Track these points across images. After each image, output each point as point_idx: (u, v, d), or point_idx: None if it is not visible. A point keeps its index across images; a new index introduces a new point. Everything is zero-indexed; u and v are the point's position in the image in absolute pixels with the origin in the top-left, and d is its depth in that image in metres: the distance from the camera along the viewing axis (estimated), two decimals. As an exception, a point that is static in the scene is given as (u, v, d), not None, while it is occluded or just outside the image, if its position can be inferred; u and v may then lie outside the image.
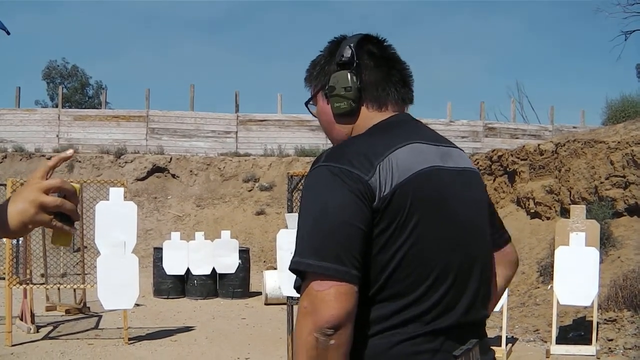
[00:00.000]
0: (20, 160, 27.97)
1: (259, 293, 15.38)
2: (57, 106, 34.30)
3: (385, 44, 2.21)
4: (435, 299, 1.93)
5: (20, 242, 11.11)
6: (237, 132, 29.30)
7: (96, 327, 11.56)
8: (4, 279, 10.90)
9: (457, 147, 2.16)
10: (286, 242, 8.44)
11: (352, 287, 1.84)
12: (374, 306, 1.92)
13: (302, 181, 8.86)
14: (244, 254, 15.62)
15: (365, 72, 2.12)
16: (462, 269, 2.00)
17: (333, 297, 1.82)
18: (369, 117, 2.13)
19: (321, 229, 1.88)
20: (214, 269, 15.13)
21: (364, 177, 1.87)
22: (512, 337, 10.24)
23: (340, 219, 1.86)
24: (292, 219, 8.44)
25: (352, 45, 2.14)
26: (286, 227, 8.61)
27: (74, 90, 49.47)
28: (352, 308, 1.85)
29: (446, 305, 1.95)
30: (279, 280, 11.47)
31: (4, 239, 12.54)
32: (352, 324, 1.86)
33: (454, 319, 1.96)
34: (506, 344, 9.18)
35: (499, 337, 9.47)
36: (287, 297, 8.61)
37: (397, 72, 2.17)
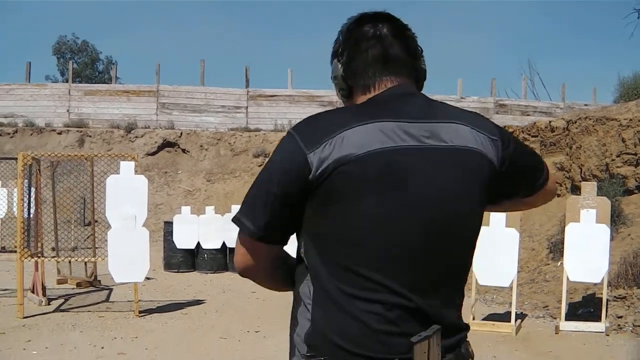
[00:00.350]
0: (31, 134, 28.02)
1: (266, 267, 15.44)
2: (67, 81, 34.30)
3: (378, 22, 2.17)
4: (400, 276, 1.94)
5: (31, 215, 11.14)
6: (247, 107, 29.27)
7: (107, 300, 11.62)
8: (15, 252, 10.96)
9: (459, 123, 2.05)
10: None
11: (257, 244, 2.04)
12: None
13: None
14: (254, 228, 15.64)
15: (350, 59, 2.16)
16: (411, 251, 1.95)
17: (240, 250, 2.10)
18: (360, 99, 2.17)
19: (251, 188, 2.06)
20: (224, 243, 15.18)
21: (306, 150, 1.92)
22: (522, 313, 10.26)
23: (265, 183, 2.00)
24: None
25: (342, 31, 2.21)
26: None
27: (84, 66, 49.54)
28: (252, 263, 2.09)
29: (411, 287, 1.95)
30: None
31: (16, 212, 12.61)
32: (259, 273, 2.17)
33: (415, 302, 1.94)
34: (515, 320, 9.19)
35: (509, 313, 9.49)
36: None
37: (373, 50, 2.14)
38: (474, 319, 9.41)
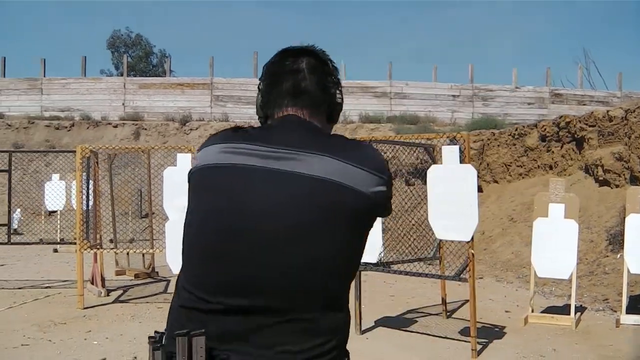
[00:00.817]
0: (87, 128, 28.39)
1: (325, 259, 15.45)
2: (122, 75, 34.68)
3: (299, 57, 2.38)
4: (201, 274, 2.14)
5: (89, 207, 11.27)
6: (302, 98, 29.33)
7: (165, 291, 11.71)
8: (74, 244, 11.09)
9: (327, 156, 2.15)
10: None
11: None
12: None
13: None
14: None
15: (267, 91, 2.40)
16: (230, 255, 2.10)
17: None
18: None
19: None
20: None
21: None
22: (581, 305, 10.13)
23: None
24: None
25: (266, 64, 2.46)
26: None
27: (138, 59, 49.90)
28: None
29: (207, 285, 2.11)
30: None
31: (75, 205, 12.77)
32: None
33: (216, 305, 2.08)
34: (575, 313, 9.08)
35: (568, 306, 9.39)
36: (355, 262, 8.61)
37: (283, 84, 2.35)
38: (532, 311, 9.33)
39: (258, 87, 2.45)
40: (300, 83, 2.32)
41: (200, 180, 2.26)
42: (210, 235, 2.15)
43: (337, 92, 2.39)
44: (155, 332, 2.10)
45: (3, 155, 14.66)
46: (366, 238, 2.25)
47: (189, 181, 2.32)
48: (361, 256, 2.25)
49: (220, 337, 2.03)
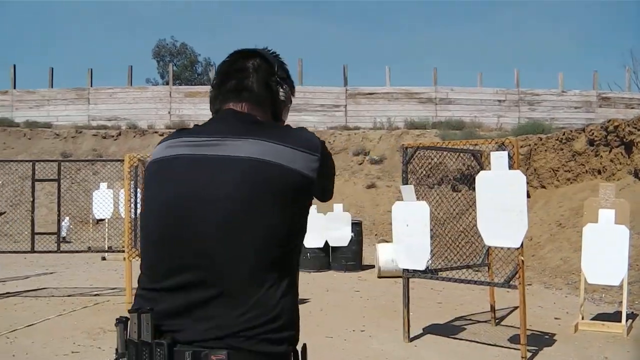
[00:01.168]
0: (134, 136, 28.66)
1: (372, 266, 15.40)
2: (167, 84, 34.93)
3: (248, 58, 2.59)
4: (149, 259, 2.37)
5: (137, 216, 11.34)
6: (346, 105, 29.36)
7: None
8: (122, 252, 11.18)
9: (258, 139, 2.33)
10: (401, 214, 8.42)
11: None
12: None
13: (416, 152, 8.81)
14: (356, 226, 15.63)
15: (217, 88, 2.60)
16: (174, 237, 2.29)
17: None
18: None
19: None
20: (326, 242, 15.19)
21: None
22: (632, 312, 9.98)
23: None
24: (407, 190, 8.39)
25: (219, 65, 2.70)
26: (401, 199, 8.58)
27: (184, 68, 50.44)
28: None
29: (155, 269, 2.32)
30: (393, 253, 11.45)
31: (123, 214, 12.87)
32: None
33: (163, 284, 2.28)
34: (626, 320, 8.95)
35: (618, 313, 9.26)
36: (403, 269, 8.58)
37: (229, 81, 2.55)
38: (583, 318, 9.21)
39: (211, 85, 2.64)
40: (244, 81, 2.52)
41: (148, 175, 2.48)
42: (156, 224, 2.36)
43: (281, 90, 2.57)
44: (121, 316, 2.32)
45: (52, 164, 14.84)
46: (301, 217, 2.37)
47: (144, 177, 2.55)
48: (297, 235, 2.36)
49: (167, 314, 2.21)
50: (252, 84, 2.52)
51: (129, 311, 2.24)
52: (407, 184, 8.57)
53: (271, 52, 2.65)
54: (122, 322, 2.29)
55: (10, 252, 14.86)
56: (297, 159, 2.30)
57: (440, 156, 9.68)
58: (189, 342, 2.16)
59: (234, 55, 2.62)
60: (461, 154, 9.90)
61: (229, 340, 2.14)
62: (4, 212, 22.78)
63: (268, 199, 2.24)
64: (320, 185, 2.43)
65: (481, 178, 7.70)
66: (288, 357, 2.28)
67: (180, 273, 2.24)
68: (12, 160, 21.69)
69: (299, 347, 2.37)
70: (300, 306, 8.12)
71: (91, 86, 31.15)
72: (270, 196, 2.25)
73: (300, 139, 2.38)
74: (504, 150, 7.74)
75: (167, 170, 2.39)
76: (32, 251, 13.27)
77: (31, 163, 13.66)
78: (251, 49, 2.63)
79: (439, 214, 9.68)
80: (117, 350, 2.32)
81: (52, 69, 32.08)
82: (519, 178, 7.31)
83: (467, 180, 14.22)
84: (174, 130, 2.72)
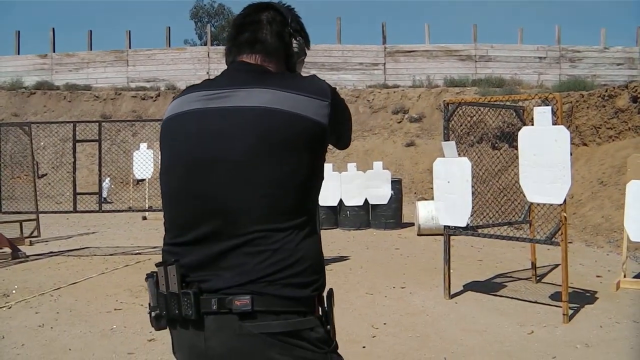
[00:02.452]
0: (173, 98, 28.75)
1: (411, 224, 15.40)
2: (205, 44, 34.89)
3: (262, 11, 2.60)
4: (169, 216, 2.45)
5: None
6: (384, 63, 29.17)
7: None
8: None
9: (264, 88, 2.37)
10: (443, 170, 8.38)
11: None
12: None
13: (457, 109, 8.73)
14: (396, 184, 15.62)
15: (231, 40, 2.63)
16: (191, 192, 2.37)
17: None
18: None
19: None
20: (366, 200, 15.19)
21: None
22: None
23: None
24: (449, 147, 8.34)
25: (233, 18, 2.76)
26: (441, 156, 8.52)
27: (222, 29, 50.31)
28: None
29: (176, 224, 2.41)
30: (433, 211, 11.42)
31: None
32: None
33: (184, 238, 2.36)
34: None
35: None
36: (445, 226, 8.54)
37: (243, 34, 2.58)
38: (625, 276, 9.13)
39: (226, 38, 2.69)
40: (257, 33, 2.55)
41: (162, 133, 2.55)
42: (172, 180, 2.44)
43: (294, 41, 2.60)
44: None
45: (92, 126, 14.94)
46: (315, 164, 2.39)
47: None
48: (312, 182, 2.39)
49: (191, 266, 2.29)
50: (266, 36, 2.55)
51: (156, 265, 2.34)
52: (448, 140, 8.51)
53: (285, 4, 2.67)
54: (151, 276, 2.37)
55: (52, 212, 15.01)
56: (307, 105, 2.34)
57: (480, 113, 9.62)
58: (214, 290, 2.23)
59: (247, 9, 2.64)
60: (501, 112, 9.82)
61: (251, 287, 2.20)
62: (46, 174, 23.04)
63: (278, 147, 2.29)
64: (334, 132, 2.48)
65: (524, 134, 7.62)
66: (313, 301, 2.31)
67: (198, 226, 2.32)
68: (53, 122, 21.78)
69: (325, 293, 2.40)
70: (340, 263, 8.25)
71: (129, 48, 31.22)
72: (280, 144, 2.29)
73: (311, 86, 2.41)
74: (547, 105, 7.64)
75: (180, 126, 2.46)
76: (74, 211, 13.39)
77: (72, 125, 13.73)
78: (265, 1, 2.65)
79: (479, 171, 9.62)
80: (149, 304, 2.40)
81: (91, 31, 32.20)
82: (562, 133, 7.22)
83: (507, 138, 14.16)
84: None
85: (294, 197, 2.30)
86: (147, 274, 2.38)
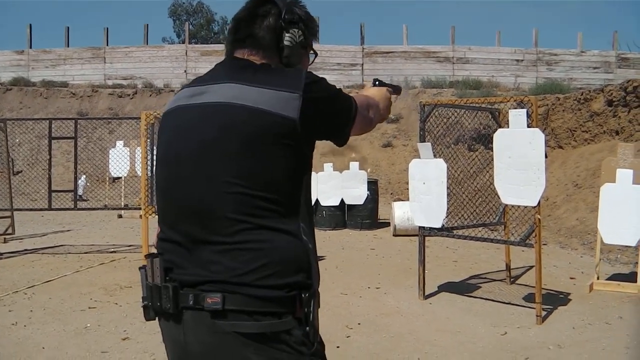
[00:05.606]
0: (150, 95, 28.68)
1: (387, 224, 15.44)
2: (183, 42, 34.81)
3: (243, 7, 2.63)
4: (158, 211, 2.54)
5: (154, 173, 11.38)
6: (362, 64, 29.27)
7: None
8: (138, 209, 11.23)
9: (233, 83, 2.39)
10: (418, 171, 8.41)
11: None
12: None
13: (434, 111, 8.77)
14: (372, 185, 15.66)
15: (230, 34, 2.65)
16: (169, 189, 2.45)
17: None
18: None
19: None
20: (342, 200, 15.21)
21: None
22: (648, 272, 9.97)
23: None
24: (425, 148, 8.37)
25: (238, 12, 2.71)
26: (417, 157, 8.55)
27: (200, 27, 50.26)
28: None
29: (162, 220, 2.49)
30: (409, 211, 11.44)
31: (139, 171, 12.90)
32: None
33: (166, 234, 2.42)
34: (642, 279, 8.94)
35: (634, 274, 9.27)
36: (419, 227, 8.57)
37: (237, 29, 2.60)
38: (598, 278, 9.20)
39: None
40: (250, 28, 2.55)
41: (159, 128, 2.65)
42: (158, 177, 2.53)
43: (287, 34, 2.54)
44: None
45: (69, 122, 14.83)
46: (290, 160, 2.34)
47: None
48: (289, 179, 2.34)
49: (174, 261, 2.33)
50: (257, 31, 2.53)
51: (144, 256, 2.42)
52: (424, 141, 8.54)
53: None
54: (143, 268, 2.41)
55: (27, 209, 14.92)
56: (272, 99, 2.29)
57: (457, 115, 9.61)
58: (192, 285, 2.25)
59: (248, 3, 2.62)
60: (478, 113, 9.85)
61: (223, 285, 2.19)
62: (21, 171, 22.90)
63: (240, 143, 2.27)
64: (315, 126, 2.39)
65: (499, 136, 7.66)
66: (290, 302, 2.25)
67: (177, 223, 2.37)
68: (29, 119, 21.70)
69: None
70: (316, 263, 8.00)
71: (107, 45, 31.11)
72: (242, 140, 2.27)
73: (284, 78, 2.37)
74: (523, 108, 7.69)
75: (166, 122, 2.54)
76: (49, 209, 13.32)
77: (48, 121, 13.66)
78: None
79: (455, 172, 9.65)
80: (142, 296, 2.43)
81: (68, 28, 32.06)
82: (537, 136, 7.27)
83: (484, 140, 14.21)
84: None
85: (266, 194, 2.26)
86: (140, 266, 2.45)
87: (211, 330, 2.21)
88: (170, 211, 2.43)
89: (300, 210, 2.37)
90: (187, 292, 2.24)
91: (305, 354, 2.27)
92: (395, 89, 3.09)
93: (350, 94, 2.57)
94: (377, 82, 3.00)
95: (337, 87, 2.48)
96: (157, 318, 2.40)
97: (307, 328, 2.28)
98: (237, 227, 2.24)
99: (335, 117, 2.50)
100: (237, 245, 2.23)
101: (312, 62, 2.78)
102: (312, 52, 2.75)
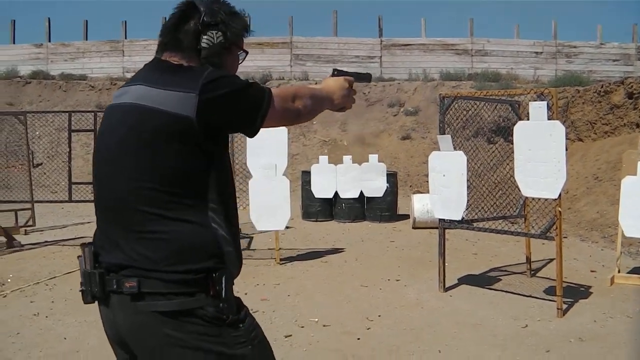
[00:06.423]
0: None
1: (406, 217, 15.40)
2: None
3: (173, 12, 2.78)
4: (95, 204, 2.73)
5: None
6: (381, 57, 29.16)
7: (247, 247, 11.81)
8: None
9: (139, 84, 2.62)
10: (438, 164, 8.39)
11: None
12: None
13: (454, 103, 8.74)
14: (391, 177, 15.62)
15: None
16: (97, 185, 2.72)
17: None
18: None
19: None
20: (361, 192, 15.19)
21: None
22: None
23: None
24: (445, 140, 8.35)
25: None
26: (437, 149, 8.54)
27: (219, 19, 50.21)
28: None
29: (96, 211, 2.71)
30: (429, 204, 11.41)
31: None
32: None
33: (97, 224, 2.71)
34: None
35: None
36: (439, 219, 8.56)
37: (162, 32, 2.79)
38: (619, 271, 9.15)
39: None
40: (172, 32, 2.73)
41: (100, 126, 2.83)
42: (93, 172, 2.75)
43: (204, 37, 2.69)
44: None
45: (88, 115, 14.91)
46: (192, 156, 2.52)
47: None
48: (192, 171, 2.53)
49: (102, 249, 2.60)
50: (179, 35, 2.71)
51: (80, 245, 2.67)
52: (444, 134, 8.52)
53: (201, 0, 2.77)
54: (80, 256, 2.64)
55: (48, 201, 15.01)
56: (168, 99, 2.49)
57: (476, 108, 9.58)
58: (116, 270, 2.51)
59: (175, 8, 2.79)
60: (497, 106, 9.81)
61: (138, 271, 2.46)
62: (41, 164, 22.99)
63: (141, 142, 2.51)
64: (218, 121, 2.54)
65: (519, 128, 7.63)
66: (202, 282, 2.49)
67: (104, 215, 2.65)
68: (48, 112, 21.77)
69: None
70: (335, 255, 8.27)
71: (125, 38, 31.13)
72: (142, 138, 2.50)
73: (183, 79, 2.54)
74: (543, 100, 7.66)
75: (103, 120, 2.78)
76: (70, 201, 13.39)
77: (67, 114, 13.74)
78: (186, 1, 2.78)
79: (474, 165, 9.62)
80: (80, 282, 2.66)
81: (87, 21, 32.09)
82: (558, 128, 7.24)
83: (503, 133, 14.14)
84: None
85: (169, 189, 2.49)
86: (78, 255, 2.66)
87: (133, 311, 2.47)
88: (98, 204, 2.69)
89: (208, 202, 2.56)
90: (112, 278, 2.50)
91: (222, 326, 2.51)
92: (362, 77, 3.21)
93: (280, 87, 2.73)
94: (335, 72, 3.09)
95: (248, 81, 2.65)
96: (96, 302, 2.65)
97: (221, 304, 2.50)
98: (147, 218, 2.48)
99: (239, 110, 2.60)
100: (149, 234, 2.48)
101: (242, 61, 2.94)
102: (241, 51, 2.91)
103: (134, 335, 2.55)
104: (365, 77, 3.25)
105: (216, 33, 2.70)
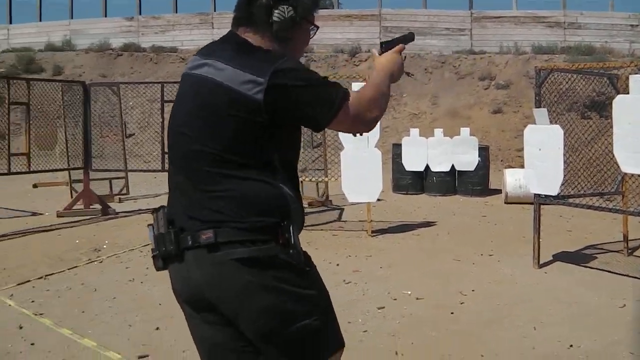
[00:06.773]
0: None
1: (498, 191, 15.24)
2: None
3: None
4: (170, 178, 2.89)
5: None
6: (471, 29, 28.79)
7: (339, 219, 11.87)
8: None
9: (219, 61, 2.71)
10: (534, 137, 8.27)
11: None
12: None
13: (550, 75, 8.58)
14: (483, 151, 15.48)
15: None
16: (170, 151, 2.87)
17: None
18: None
19: None
20: (453, 166, 15.08)
21: None
22: None
23: None
24: (541, 114, 8.22)
25: None
26: (529, 124, 8.41)
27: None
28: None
29: (169, 177, 2.88)
30: (521, 179, 11.29)
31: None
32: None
33: (170, 189, 2.87)
34: None
35: None
36: (534, 194, 8.44)
37: (237, 7, 2.88)
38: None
39: None
40: (248, 7, 2.80)
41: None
42: (168, 134, 2.89)
43: (275, 11, 2.75)
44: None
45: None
46: (251, 130, 2.63)
47: None
48: (249, 145, 2.64)
49: (175, 212, 2.75)
50: (253, 9, 2.78)
51: (151, 211, 2.83)
52: (540, 107, 8.38)
53: None
54: (151, 225, 2.80)
55: (141, 170, 15.28)
56: (239, 78, 2.60)
57: (570, 81, 9.38)
58: (189, 229, 2.65)
59: None
60: (593, 80, 9.60)
61: (214, 224, 2.60)
62: (133, 134, 23.42)
63: (211, 112, 2.65)
64: (283, 111, 2.62)
65: (619, 102, 7.46)
66: (273, 230, 2.63)
67: (176, 178, 2.82)
68: (141, 82, 22.06)
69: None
70: (426, 229, 8.28)
71: (215, 11, 31.39)
72: (213, 110, 2.65)
73: (257, 61, 2.65)
74: (645, 73, 7.48)
75: (179, 87, 2.93)
76: (162, 170, 13.60)
77: (159, 85, 13.94)
78: None
79: (570, 140, 9.44)
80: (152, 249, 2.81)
81: (177, -7, 32.46)
82: (661, 102, 7.06)
83: (598, 107, 13.87)
84: None
85: (231, 157, 2.62)
86: (148, 224, 2.83)
87: (210, 262, 2.60)
88: (171, 169, 2.88)
89: (276, 167, 2.69)
90: (187, 234, 2.64)
91: (292, 271, 2.65)
92: (407, 39, 3.29)
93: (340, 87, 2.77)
94: (383, 46, 3.22)
95: (325, 79, 2.77)
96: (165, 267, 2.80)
97: (291, 251, 2.64)
98: (217, 179, 2.64)
99: (305, 106, 2.67)
100: (220, 192, 2.62)
101: (314, 35, 3.01)
102: (312, 26, 2.95)
103: (215, 287, 2.65)
104: (410, 38, 3.31)
105: (287, 7, 2.76)
